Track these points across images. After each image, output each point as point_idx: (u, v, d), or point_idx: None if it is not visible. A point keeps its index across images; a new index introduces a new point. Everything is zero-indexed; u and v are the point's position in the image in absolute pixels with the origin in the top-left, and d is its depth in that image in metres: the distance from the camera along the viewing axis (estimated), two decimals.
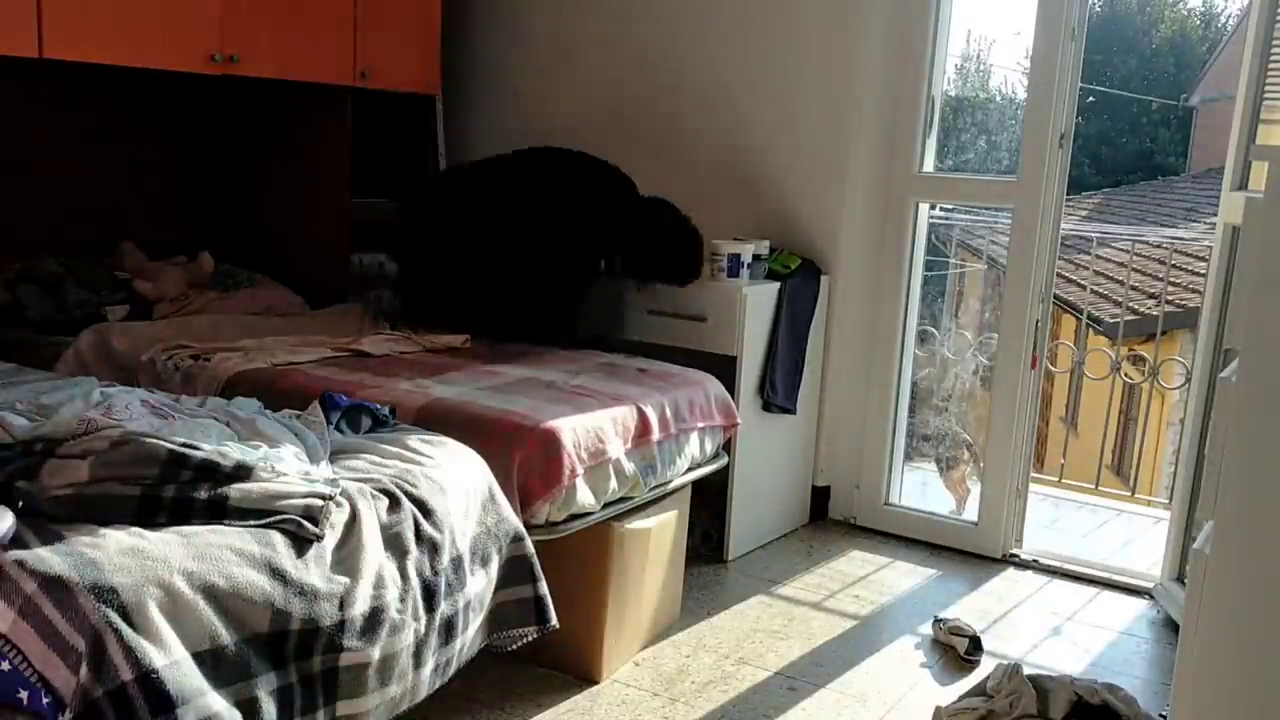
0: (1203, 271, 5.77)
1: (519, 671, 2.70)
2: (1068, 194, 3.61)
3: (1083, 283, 7.12)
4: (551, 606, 2.35)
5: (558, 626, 2.36)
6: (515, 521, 2.34)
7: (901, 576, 3.53)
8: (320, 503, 1.91)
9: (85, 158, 3.63)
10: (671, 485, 2.94)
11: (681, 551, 3.07)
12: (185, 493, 1.83)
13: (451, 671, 2.13)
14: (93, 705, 1.52)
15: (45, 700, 1.52)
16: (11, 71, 3.08)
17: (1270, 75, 3.16)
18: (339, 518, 1.94)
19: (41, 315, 3.23)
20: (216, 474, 1.88)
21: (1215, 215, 3.50)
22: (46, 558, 1.61)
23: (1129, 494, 5.41)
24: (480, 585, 2.19)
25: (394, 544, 2.00)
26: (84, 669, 1.53)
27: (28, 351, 3.04)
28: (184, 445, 1.90)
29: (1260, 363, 1.60)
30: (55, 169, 3.54)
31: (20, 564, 1.59)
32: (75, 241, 3.53)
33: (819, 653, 2.97)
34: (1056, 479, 4.91)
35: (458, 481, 2.22)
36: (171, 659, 1.60)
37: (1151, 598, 3.42)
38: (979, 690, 2.46)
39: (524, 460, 2.47)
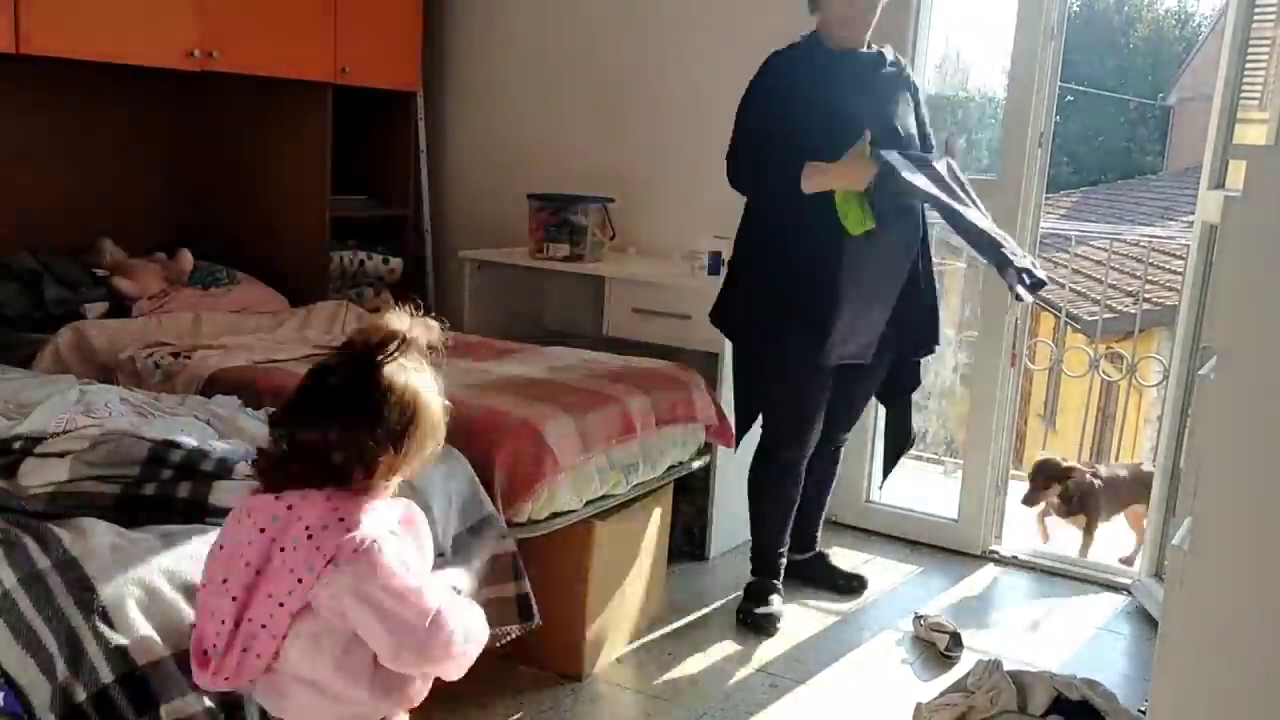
0: (1180, 270, 5.81)
1: (501, 669, 2.69)
2: (1046, 192, 3.63)
3: (1061, 281, 7.16)
4: (534, 604, 2.35)
5: (541, 624, 2.36)
6: (498, 519, 2.34)
7: (882, 573, 3.54)
8: None
9: (63, 154, 3.60)
10: (654, 483, 2.94)
11: (664, 549, 3.07)
12: (166, 491, 1.82)
13: None
14: (75, 708, 1.50)
15: (16, 701, 1.51)
16: None
17: (1247, 75, 3.18)
18: None
19: (19, 313, 3.20)
20: (197, 472, 1.87)
21: (1192, 214, 3.52)
22: (23, 556, 1.60)
23: None
24: (463, 583, 2.19)
25: None
26: (61, 669, 1.51)
27: (5, 350, 3.01)
28: (165, 443, 1.89)
29: (1238, 360, 1.61)
30: (32, 165, 3.51)
31: None
32: (53, 238, 3.50)
33: (800, 649, 2.98)
34: None
35: (440, 479, 2.22)
36: (152, 658, 1.59)
37: (1129, 594, 3.45)
38: (959, 686, 2.47)
39: (506, 458, 2.47)
